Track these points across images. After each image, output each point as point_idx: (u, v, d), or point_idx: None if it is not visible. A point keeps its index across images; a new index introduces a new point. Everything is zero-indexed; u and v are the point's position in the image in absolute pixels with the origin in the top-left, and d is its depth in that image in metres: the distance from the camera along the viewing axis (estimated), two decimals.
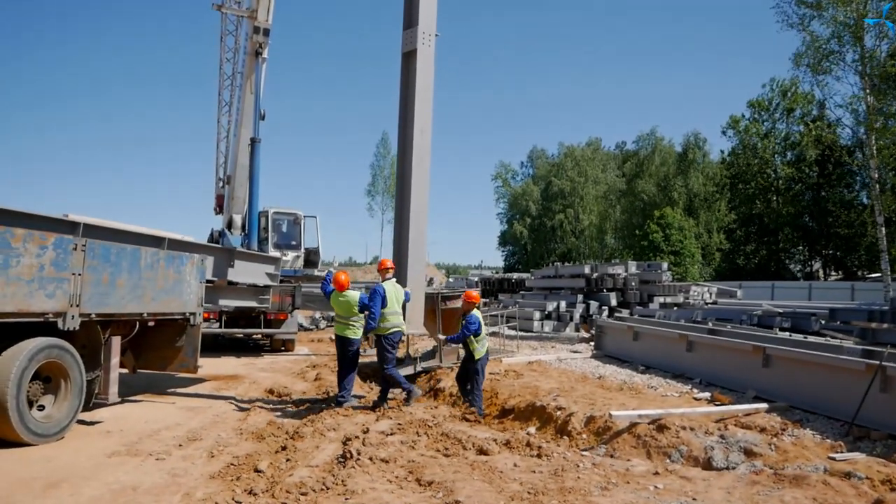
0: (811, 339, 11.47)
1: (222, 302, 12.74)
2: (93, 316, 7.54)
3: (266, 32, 17.50)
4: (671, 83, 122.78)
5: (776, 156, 53.75)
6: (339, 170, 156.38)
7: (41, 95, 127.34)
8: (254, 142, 16.92)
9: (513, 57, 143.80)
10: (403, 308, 9.56)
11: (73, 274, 7.14)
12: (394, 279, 9.49)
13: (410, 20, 11.23)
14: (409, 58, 11.20)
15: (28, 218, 7.32)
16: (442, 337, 10.95)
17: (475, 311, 9.64)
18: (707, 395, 9.49)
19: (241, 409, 9.28)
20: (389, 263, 9.61)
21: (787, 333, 13.35)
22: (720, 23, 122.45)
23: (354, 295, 9.45)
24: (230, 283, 12.61)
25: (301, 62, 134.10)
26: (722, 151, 59.90)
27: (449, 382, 11.59)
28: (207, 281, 10.65)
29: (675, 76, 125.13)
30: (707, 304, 23.31)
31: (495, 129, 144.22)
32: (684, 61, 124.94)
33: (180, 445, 7.05)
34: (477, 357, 9.44)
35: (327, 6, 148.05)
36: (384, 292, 9.05)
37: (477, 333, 9.42)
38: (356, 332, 9.34)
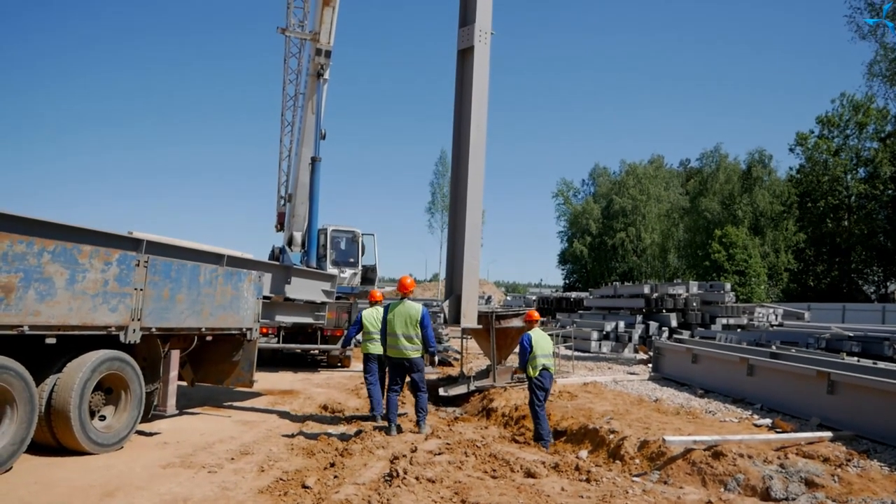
0: (881, 364, 10.93)
1: (279, 318, 12.97)
2: (153, 330, 7.78)
3: (327, 54, 17.90)
4: (736, 99, 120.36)
5: (847, 173, 51.80)
6: (401, 187, 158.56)
7: (115, 119, 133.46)
8: (314, 160, 17.25)
9: (575, 74, 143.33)
10: (423, 330, 8.66)
11: (136, 289, 7.39)
12: (404, 300, 8.84)
13: (466, 18, 11.38)
14: (464, 55, 11.34)
15: (94, 235, 7.60)
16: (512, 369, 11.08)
17: (532, 330, 9.44)
18: (768, 421, 9.16)
19: (294, 425, 9.41)
20: (408, 281, 9.15)
21: (856, 359, 12.77)
22: (785, 38, 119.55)
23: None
24: (287, 299, 12.83)
25: (362, 81, 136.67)
26: (790, 168, 58.17)
27: (502, 402, 11.51)
28: (264, 297, 10.87)
29: (740, 92, 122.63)
30: (772, 326, 22.55)
31: (557, 147, 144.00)
32: (749, 77, 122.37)
33: (232, 459, 7.19)
34: (529, 376, 9.16)
35: (385, 29, 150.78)
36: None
37: (528, 352, 9.18)
38: (377, 348, 9.74)
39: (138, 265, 7.42)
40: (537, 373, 9.08)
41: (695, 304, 21.84)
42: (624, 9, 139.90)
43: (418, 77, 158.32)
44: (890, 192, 48.33)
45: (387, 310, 8.87)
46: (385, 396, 9.07)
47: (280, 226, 20.88)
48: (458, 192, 11.14)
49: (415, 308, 8.71)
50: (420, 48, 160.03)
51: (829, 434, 7.96)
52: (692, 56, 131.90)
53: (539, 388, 9.03)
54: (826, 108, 54.26)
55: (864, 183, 50.10)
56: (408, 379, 9.04)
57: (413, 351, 8.59)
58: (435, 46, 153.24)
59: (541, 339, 9.27)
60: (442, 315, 10.69)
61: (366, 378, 9.89)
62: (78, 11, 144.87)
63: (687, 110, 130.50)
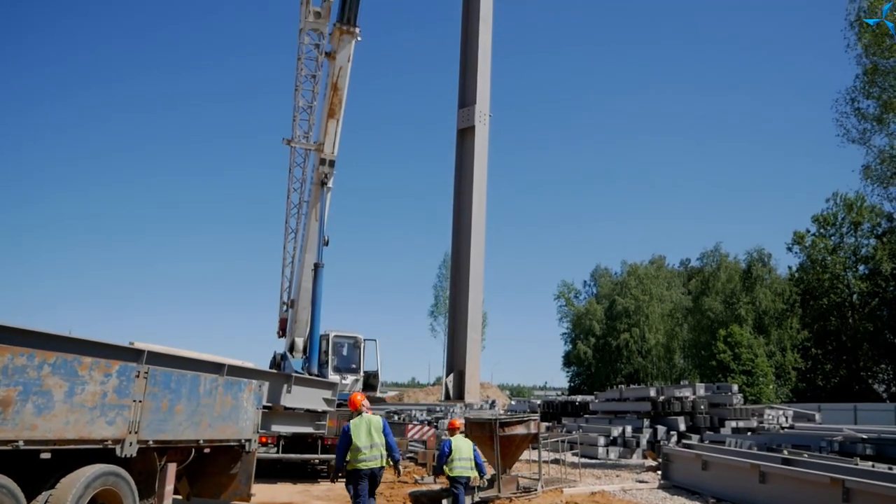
0: None
1: (279, 427, 12.76)
2: (150, 443, 7.63)
3: (332, 164, 18.49)
4: (733, 199, 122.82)
5: (847, 270, 52.08)
6: (404, 292, 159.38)
7: (117, 232, 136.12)
8: (317, 266, 17.46)
9: (574, 176, 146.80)
10: (386, 438, 8.88)
11: (134, 401, 7.30)
12: (362, 414, 8.96)
13: (465, 99, 11.93)
14: (464, 134, 11.82)
15: (96, 346, 7.61)
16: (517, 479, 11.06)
17: (454, 437, 10.17)
18: None
19: None
20: (358, 398, 9.30)
21: (871, 463, 12.43)
22: (779, 138, 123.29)
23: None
24: (287, 408, 12.66)
25: (366, 186, 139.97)
26: (790, 267, 58.57)
27: None
28: (264, 406, 10.73)
29: (737, 192, 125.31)
30: (783, 428, 22.05)
31: (557, 248, 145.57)
32: (746, 177, 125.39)
33: None
34: (447, 475, 9.89)
35: (386, 138, 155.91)
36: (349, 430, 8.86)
37: (447, 456, 9.91)
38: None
39: (138, 376, 7.37)
40: (454, 472, 9.79)
41: (702, 406, 21.46)
42: (623, 110, 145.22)
43: (420, 180, 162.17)
44: (892, 289, 48.39)
45: (348, 426, 8.92)
46: None
47: (282, 332, 20.84)
48: (459, 269, 11.30)
49: (376, 418, 8.98)
50: (423, 153, 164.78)
51: None
52: (688, 157, 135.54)
53: (456, 484, 9.84)
54: (821, 207, 55.30)
55: (865, 280, 50.28)
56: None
57: (380, 461, 8.75)
58: (438, 152, 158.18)
59: (461, 445, 10.03)
60: (443, 392, 10.76)
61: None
62: (76, 121, 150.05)
63: (685, 210, 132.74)
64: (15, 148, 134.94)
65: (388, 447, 8.83)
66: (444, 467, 9.92)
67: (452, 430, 10.53)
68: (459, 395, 10.57)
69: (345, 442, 8.80)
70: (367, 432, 8.73)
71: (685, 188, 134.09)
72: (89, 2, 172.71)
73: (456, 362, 10.90)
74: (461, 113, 12.01)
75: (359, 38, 18.20)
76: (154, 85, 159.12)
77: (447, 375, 10.75)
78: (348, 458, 8.70)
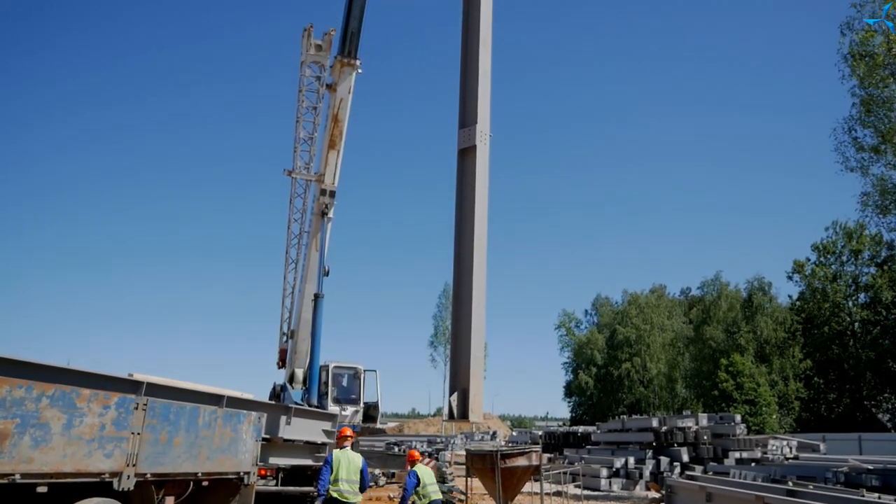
0: None
1: (278, 460, 12.62)
2: (148, 476, 7.55)
3: (332, 194, 18.57)
4: (733, 228, 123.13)
5: (848, 299, 51.94)
6: (404, 322, 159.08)
7: (114, 261, 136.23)
8: (317, 297, 17.42)
9: (575, 206, 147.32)
10: (361, 476, 9.29)
11: (133, 433, 7.25)
12: (346, 449, 9.37)
13: (466, 119, 12.09)
14: (465, 154, 11.98)
15: (95, 378, 7.56)
16: None
17: (416, 467, 10.19)
18: None
19: None
20: (348, 433, 9.68)
21: (877, 495, 12.27)
22: (778, 167, 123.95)
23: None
24: (286, 440, 12.54)
25: (366, 217, 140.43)
26: (790, 296, 58.43)
27: None
28: (263, 438, 10.63)
29: (737, 221, 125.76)
30: (787, 459, 21.83)
31: (558, 278, 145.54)
32: (745, 206, 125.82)
33: None
34: None
35: (385, 171, 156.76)
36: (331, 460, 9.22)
37: (414, 487, 9.96)
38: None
39: (136, 408, 7.32)
40: (430, 497, 9.95)
41: (705, 437, 21.27)
42: (623, 139, 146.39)
43: (420, 213, 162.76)
44: (893, 317, 48.22)
45: (331, 456, 9.22)
46: None
47: (282, 362, 20.71)
48: (461, 287, 11.30)
49: (357, 457, 9.37)
50: (423, 183, 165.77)
51: None
52: (688, 185, 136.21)
53: None
54: (821, 236, 55.38)
55: (865, 308, 50.14)
56: None
57: (355, 497, 9.07)
58: (437, 183, 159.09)
59: (425, 473, 10.17)
60: (446, 412, 10.67)
61: None
62: (75, 148, 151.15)
63: (685, 239, 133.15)
64: (11, 173, 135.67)
65: (363, 485, 9.25)
66: (416, 495, 10.02)
67: (413, 461, 10.65)
68: (463, 414, 10.47)
69: (327, 470, 9.08)
70: (347, 467, 9.11)
71: (685, 216, 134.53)
72: (90, 25, 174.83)
73: (459, 381, 10.84)
74: (462, 133, 12.16)
75: (359, 71, 18.42)
76: (156, 113, 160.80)
77: (450, 394, 10.65)
78: (329, 487, 8.97)
